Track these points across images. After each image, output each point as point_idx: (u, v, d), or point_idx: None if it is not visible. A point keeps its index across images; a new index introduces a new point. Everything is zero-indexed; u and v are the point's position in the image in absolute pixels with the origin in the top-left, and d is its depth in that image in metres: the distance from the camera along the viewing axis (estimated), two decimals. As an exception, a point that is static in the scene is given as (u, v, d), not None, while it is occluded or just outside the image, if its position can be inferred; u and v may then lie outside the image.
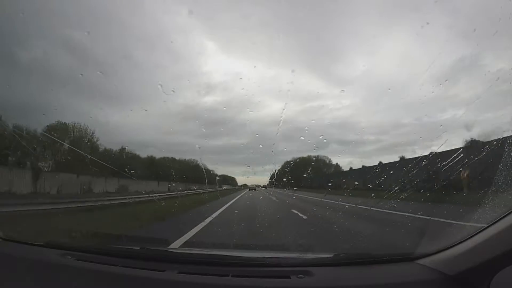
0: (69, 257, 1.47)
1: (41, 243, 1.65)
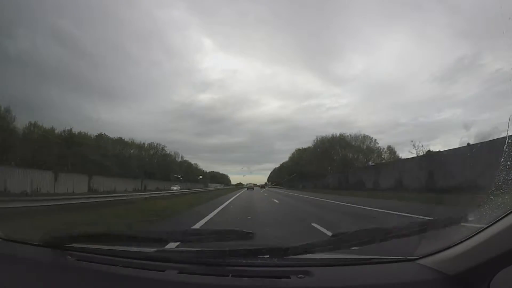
0: (69, 257, 1.48)
1: (41, 243, 1.65)
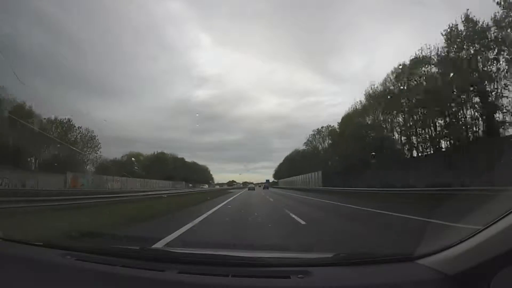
0: (69, 257, 1.48)
1: (41, 243, 1.65)
